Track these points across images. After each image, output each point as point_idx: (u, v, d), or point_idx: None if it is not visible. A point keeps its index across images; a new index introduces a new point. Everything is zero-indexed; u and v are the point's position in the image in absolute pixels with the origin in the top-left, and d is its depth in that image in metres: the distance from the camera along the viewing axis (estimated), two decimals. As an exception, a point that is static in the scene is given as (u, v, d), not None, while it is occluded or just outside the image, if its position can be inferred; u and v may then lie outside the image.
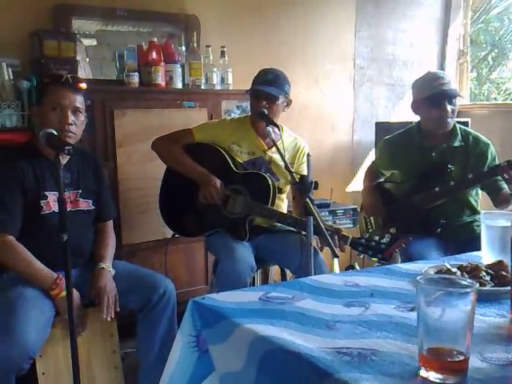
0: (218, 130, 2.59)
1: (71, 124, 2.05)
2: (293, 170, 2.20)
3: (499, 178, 2.52)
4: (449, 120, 2.55)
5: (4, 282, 2.02)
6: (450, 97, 2.52)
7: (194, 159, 2.53)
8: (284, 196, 2.69)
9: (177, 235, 2.70)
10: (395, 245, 2.12)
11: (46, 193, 2.08)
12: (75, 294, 1.99)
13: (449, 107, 2.52)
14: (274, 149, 2.58)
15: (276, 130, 2.49)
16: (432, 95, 2.52)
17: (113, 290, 2.10)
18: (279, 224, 2.61)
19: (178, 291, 2.27)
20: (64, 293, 1.90)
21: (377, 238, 2.17)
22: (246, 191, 2.48)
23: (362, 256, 2.70)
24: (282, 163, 2.56)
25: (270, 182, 2.46)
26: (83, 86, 2.10)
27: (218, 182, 2.47)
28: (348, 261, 3.62)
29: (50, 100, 2.04)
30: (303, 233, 2.05)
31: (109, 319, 2.07)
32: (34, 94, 2.21)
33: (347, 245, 2.24)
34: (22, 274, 2.01)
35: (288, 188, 2.68)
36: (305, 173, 2.59)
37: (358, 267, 3.59)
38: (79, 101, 2.08)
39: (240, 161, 2.55)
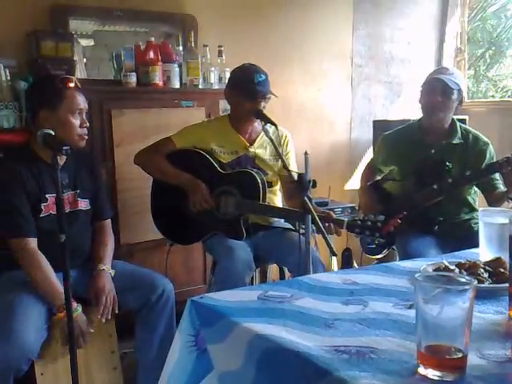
0: (198, 134, 2.56)
1: (87, 127, 2.11)
2: (286, 166, 2.18)
3: (495, 177, 2.53)
4: (438, 112, 2.55)
5: (2, 284, 2.02)
6: (442, 85, 2.51)
7: (178, 167, 2.51)
8: (276, 189, 2.66)
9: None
10: (391, 221, 2.13)
11: (47, 195, 2.08)
12: (81, 318, 1.97)
13: (439, 97, 2.52)
14: (256, 144, 2.57)
15: (257, 124, 2.53)
16: (425, 82, 2.58)
17: (111, 291, 2.09)
18: (275, 219, 2.61)
19: (177, 291, 2.27)
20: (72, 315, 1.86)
21: (372, 216, 2.18)
22: (236, 191, 2.46)
23: (358, 238, 2.72)
24: (266, 157, 2.58)
25: (258, 178, 2.44)
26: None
27: (205, 188, 2.45)
28: (345, 244, 3.64)
29: (70, 106, 2.05)
30: (301, 231, 2.05)
31: (103, 320, 2.06)
32: (37, 96, 2.14)
33: (343, 228, 2.23)
34: (36, 285, 1.97)
35: (278, 180, 2.67)
36: (292, 162, 2.59)
37: (355, 264, 3.60)
38: (86, 103, 2.14)
39: (224, 161, 2.53)
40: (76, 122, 2.07)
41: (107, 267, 2.16)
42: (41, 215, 2.07)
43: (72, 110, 2.06)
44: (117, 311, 2.10)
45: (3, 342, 1.75)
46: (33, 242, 2.01)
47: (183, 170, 2.50)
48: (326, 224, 2.22)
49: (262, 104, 2.46)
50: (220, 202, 2.49)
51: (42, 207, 2.07)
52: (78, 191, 2.20)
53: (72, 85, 2.06)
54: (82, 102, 2.09)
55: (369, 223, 2.16)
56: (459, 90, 2.55)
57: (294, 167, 2.52)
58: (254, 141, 2.58)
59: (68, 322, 1.73)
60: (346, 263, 3.69)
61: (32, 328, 1.83)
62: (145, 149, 2.56)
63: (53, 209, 2.06)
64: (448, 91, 2.53)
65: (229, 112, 2.68)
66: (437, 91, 2.53)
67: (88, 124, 2.12)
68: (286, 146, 2.64)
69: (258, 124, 2.57)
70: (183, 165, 2.51)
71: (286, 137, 2.64)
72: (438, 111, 2.56)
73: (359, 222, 2.19)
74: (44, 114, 2.05)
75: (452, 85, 2.52)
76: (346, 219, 2.25)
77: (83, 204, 2.22)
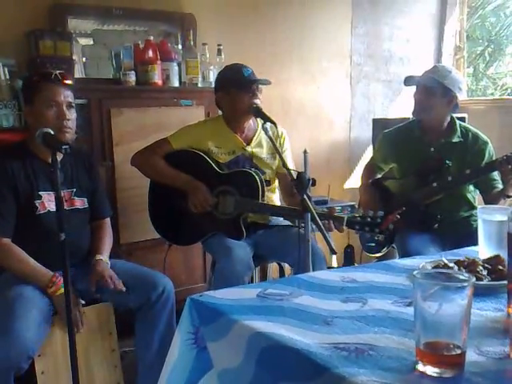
0: (195, 134, 2.55)
1: (68, 120, 2.07)
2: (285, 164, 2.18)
3: (494, 177, 2.54)
4: (421, 111, 2.58)
5: (2, 282, 2.02)
6: (420, 85, 2.56)
7: (176, 168, 2.50)
8: (274, 186, 2.67)
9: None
10: (390, 217, 2.14)
11: (40, 193, 2.08)
12: (75, 294, 1.99)
13: (418, 97, 2.57)
14: (253, 143, 2.58)
15: (252, 123, 2.56)
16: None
17: (111, 272, 2.11)
18: (274, 217, 2.61)
19: (177, 289, 2.27)
20: (61, 290, 1.92)
21: (371, 213, 2.18)
22: (235, 190, 2.46)
23: (358, 236, 2.72)
24: (263, 156, 2.58)
25: (257, 177, 2.45)
26: (69, 82, 2.12)
27: (204, 188, 2.45)
28: (347, 241, 3.65)
29: (44, 98, 2.04)
30: (301, 227, 2.05)
31: (123, 288, 2.08)
32: (23, 93, 2.19)
33: (344, 225, 2.24)
34: (18, 274, 2.01)
35: (276, 178, 2.67)
36: (289, 160, 2.59)
37: (357, 266, 3.61)
38: (71, 96, 2.11)
39: (222, 162, 2.53)
40: (51, 113, 2.03)
41: (105, 258, 2.16)
42: (37, 213, 2.07)
43: (46, 103, 2.03)
44: (124, 289, 2.09)
45: (3, 340, 1.76)
46: (5, 240, 2.02)
47: (181, 171, 2.50)
48: (326, 221, 2.22)
49: (258, 95, 2.45)
50: (219, 201, 2.49)
51: (37, 204, 2.07)
52: (75, 190, 2.20)
53: (50, 77, 2.05)
54: (59, 94, 2.05)
55: (368, 219, 2.17)
56: (445, 88, 2.52)
57: (291, 165, 2.53)
58: (251, 140, 2.58)
59: (67, 318, 1.73)
60: (347, 260, 3.69)
61: (32, 325, 1.83)
62: (141, 150, 2.56)
63: (50, 206, 2.07)
64: (424, 90, 2.55)
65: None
66: (416, 91, 2.59)
67: (68, 117, 2.06)
68: (283, 144, 2.63)
69: (253, 122, 2.58)
70: (181, 166, 2.51)
71: (282, 134, 2.63)
72: (420, 111, 2.59)
73: (359, 218, 2.20)
74: (26, 109, 2.09)
75: (430, 83, 2.52)
76: (346, 216, 2.25)
77: (79, 203, 2.22)
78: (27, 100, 2.10)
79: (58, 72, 2.08)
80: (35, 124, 2.00)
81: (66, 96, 2.08)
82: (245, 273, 2.30)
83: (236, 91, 2.46)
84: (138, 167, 2.57)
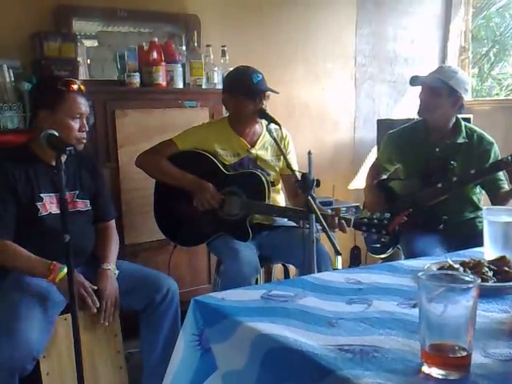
0: (201, 135, 2.55)
1: (86, 131, 2.10)
2: (290, 165, 2.19)
3: (500, 177, 2.53)
4: (425, 111, 2.59)
5: (6, 284, 2.02)
6: (425, 85, 2.56)
7: (182, 168, 2.50)
8: (279, 187, 2.67)
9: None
10: (397, 218, 2.13)
11: (42, 195, 2.08)
12: (78, 275, 1.98)
13: (423, 96, 2.57)
14: (257, 145, 2.58)
15: (258, 126, 2.56)
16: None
17: (113, 293, 2.09)
18: (278, 218, 2.61)
19: (181, 291, 2.27)
20: (59, 275, 1.93)
21: (378, 214, 2.19)
22: (241, 191, 2.47)
23: (363, 237, 2.73)
24: (268, 158, 2.59)
25: (263, 178, 2.45)
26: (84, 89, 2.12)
27: (211, 186, 2.45)
28: (353, 242, 3.65)
29: (70, 109, 2.04)
30: (306, 227, 2.05)
31: (106, 324, 2.06)
32: (41, 96, 2.17)
33: (350, 227, 2.24)
34: (19, 271, 2.01)
35: (280, 179, 2.67)
36: (293, 162, 2.58)
37: (361, 267, 3.60)
38: (88, 106, 2.13)
39: (227, 163, 2.53)
40: (75, 125, 2.05)
41: (112, 267, 2.16)
42: (40, 215, 2.07)
43: (71, 114, 2.04)
44: (117, 313, 2.09)
45: (8, 342, 1.76)
46: (6, 242, 2.02)
47: (186, 172, 2.50)
48: (336, 218, 2.23)
49: (264, 103, 2.46)
50: (225, 202, 2.49)
51: (39, 207, 2.07)
52: (77, 192, 2.20)
53: (75, 87, 2.05)
54: (82, 106, 2.07)
55: (375, 221, 2.17)
56: (450, 88, 2.51)
57: (295, 167, 2.52)
58: (256, 142, 2.58)
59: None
60: (354, 261, 3.69)
61: (36, 327, 1.83)
62: (146, 151, 2.56)
63: (52, 208, 2.08)
64: (430, 90, 2.54)
65: (228, 114, 2.66)
66: (422, 91, 2.59)
67: (87, 128, 2.10)
68: (287, 146, 2.63)
69: (258, 126, 2.58)
70: (186, 167, 2.51)
71: (286, 137, 2.64)
72: (425, 111, 2.59)
73: (366, 219, 2.20)
74: (43, 114, 2.06)
75: (435, 83, 2.52)
76: (353, 217, 2.25)
77: (82, 205, 2.21)
78: (47, 105, 2.05)
79: (79, 82, 2.09)
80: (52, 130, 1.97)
81: (87, 107, 2.10)
82: (251, 274, 2.30)
83: (243, 98, 2.46)
84: (143, 168, 2.57)
